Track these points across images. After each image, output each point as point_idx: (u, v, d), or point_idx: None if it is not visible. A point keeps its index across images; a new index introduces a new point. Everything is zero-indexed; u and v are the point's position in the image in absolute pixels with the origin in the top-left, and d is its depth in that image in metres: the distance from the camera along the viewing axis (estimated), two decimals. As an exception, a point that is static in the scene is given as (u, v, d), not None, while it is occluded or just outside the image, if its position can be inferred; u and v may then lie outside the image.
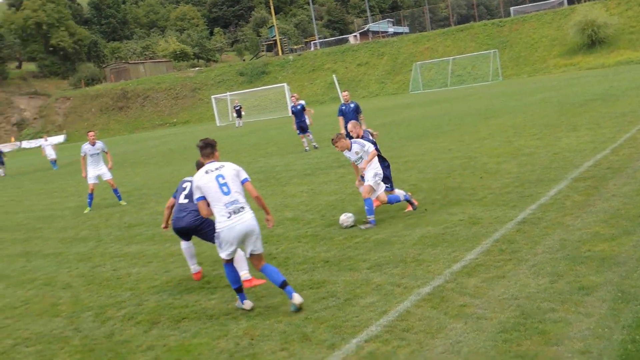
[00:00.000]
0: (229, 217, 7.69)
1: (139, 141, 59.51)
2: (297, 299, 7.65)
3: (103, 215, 17.73)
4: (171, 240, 12.85)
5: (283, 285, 7.73)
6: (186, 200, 9.60)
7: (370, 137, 12.36)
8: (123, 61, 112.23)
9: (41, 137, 71.11)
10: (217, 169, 7.90)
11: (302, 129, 25.48)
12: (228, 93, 73.35)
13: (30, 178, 35.60)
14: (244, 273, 8.94)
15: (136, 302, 9.14)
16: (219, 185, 7.77)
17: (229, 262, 8.03)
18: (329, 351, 6.44)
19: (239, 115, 57.23)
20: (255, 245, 7.90)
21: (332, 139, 11.50)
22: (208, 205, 7.89)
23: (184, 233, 9.71)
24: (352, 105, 19.14)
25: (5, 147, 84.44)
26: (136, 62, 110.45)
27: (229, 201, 7.72)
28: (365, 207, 11.32)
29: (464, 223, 10.39)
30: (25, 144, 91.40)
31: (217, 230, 7.78)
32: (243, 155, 28.02)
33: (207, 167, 7.99)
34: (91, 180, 18.70)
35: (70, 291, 10.38)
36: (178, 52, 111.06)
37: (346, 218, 11.55)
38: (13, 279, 11.89)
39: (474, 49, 74.57)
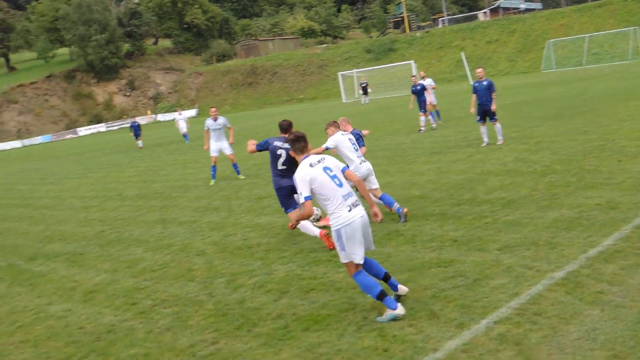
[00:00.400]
0: (349, 211, 6.97)
1: (267, 116, 60.86)
2: (402, 289, 7.40)
3: (233, 187, 18.30)
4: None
5: (386, 278, 7.36)
6: (284, 167, 10.66)
7: (359, 135, 12.20)
8: (253, 38, 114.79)
9: (175, 111, 74.26)
10: (319, 161, 7.21)
11: (423, 107, 24.83)
12: (355, 70, 73.51)
13: (165, 149, 37.28)
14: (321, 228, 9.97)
15: (266, 272, 9.41)
16: (331, 178, 7.10)
17: (359, 269, 7.12)
18: (458, 330, 6.37)
19: (365, 93, 57.22)
20: (370, 242, 7.28)
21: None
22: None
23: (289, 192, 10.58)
24: (484, 82, 18.60)
25: (142, 120, 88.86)
26: (265, 38, 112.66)
27: (346, 193, 7.07)
28: (384, 203, 11.21)
29: (600, 207, 9.95)
30: (161, 117, 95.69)
31: (336, 227, 6.97)
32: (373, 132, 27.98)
33: (309, 160, 7.25)
34: (213, 153, 19.44)
35: (204, 258, 10.84)
36: (306, 29, 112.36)
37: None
38: (151, 244, 12.54)
39: (613, 26, 70.76)
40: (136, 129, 42.04)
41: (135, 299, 9.15)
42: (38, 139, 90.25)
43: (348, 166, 7.77)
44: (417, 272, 8.24)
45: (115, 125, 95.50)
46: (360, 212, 7.03)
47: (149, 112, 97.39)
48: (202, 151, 31.16)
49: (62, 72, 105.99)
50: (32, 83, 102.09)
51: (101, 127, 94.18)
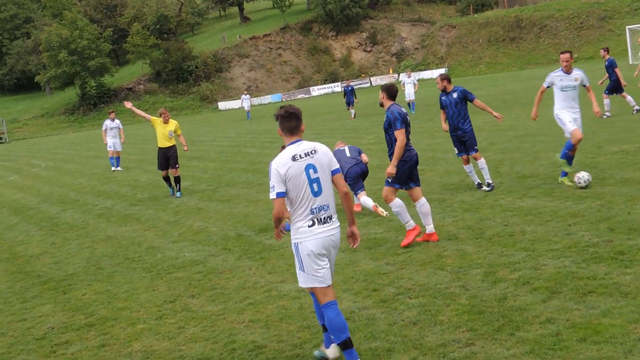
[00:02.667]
0: (310, 226, 6.85)
1: (530, 79, 59.24)
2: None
3: (492, 161, 18.11)
4: (572, 199, 12.68)
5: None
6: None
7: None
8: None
9: (421, 70, 74.69)
10: (306, 154, 6.84)
11: None
12: (647, 23, 69.04)
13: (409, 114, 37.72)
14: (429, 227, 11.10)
15: (532, 266, 9.20)
16: (309, 182, 6.80)
17: (329, 301, 7.00)
18: None
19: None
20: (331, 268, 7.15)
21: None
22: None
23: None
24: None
25: (383, 80, 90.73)
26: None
27: (318, 206, 6.85)
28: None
29: None
30: (403, 77, 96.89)
31: (294, 241, 6.92)
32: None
33: (293, 150, 6.86)
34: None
35: (456, 243, 10.86)
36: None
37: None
38: (394, 223, 12.74)
39: None
40: (349, 95, 41.64)
41: (377, 284, 9.40)
42: (267, 98, 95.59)
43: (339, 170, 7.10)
44: None
45: (353, 85, 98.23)
46: (327, 229, 6.90)
47: (391, 70, 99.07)
48: (428, 119, 31.18)
49: (297, 24, 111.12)
50: (265, 35, 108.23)
51: (336, 87, 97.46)
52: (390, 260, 10.50)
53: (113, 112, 31.94)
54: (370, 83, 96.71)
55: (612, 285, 8.09)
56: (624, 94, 25.00)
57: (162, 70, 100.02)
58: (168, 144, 20.20)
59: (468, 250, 10.40)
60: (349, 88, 42.53)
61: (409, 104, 39.93)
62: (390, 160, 11.12)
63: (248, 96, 59.88)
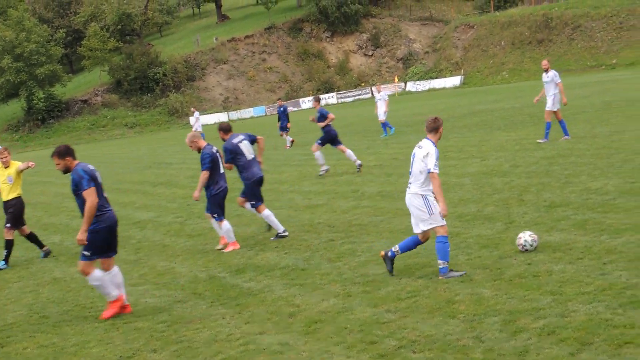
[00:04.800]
0: None
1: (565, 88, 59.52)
2: None
3: (514, 186, 18.15)
4: (609, 232, 12.74)
5: None
6: None
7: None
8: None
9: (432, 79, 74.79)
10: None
11: None
12: (700, 23, 69.56)
13: (417, 131, 37.82)
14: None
15: (559, 312, 9.24)
16: None
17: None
18: None
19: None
20: None
21: None
22: None
23: None
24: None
25: (388, 90, 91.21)
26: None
27: None
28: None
29: None
30: (411, 86, 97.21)
31: None
32: None
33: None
34: None
35: (470, 286, 10.88)
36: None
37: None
38: (397, 262, 12.68)
39: None
40: (282, 118, 41.03)
41: (375, 336, 9.40)
42: (248, 112, 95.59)
43: None
44: None
45: (350, 96, 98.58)
46: None
47: (396, 78, 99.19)
48: (468, 135, 31.30)
49: (285, 24, 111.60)
50: (247, 37, 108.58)
51: (331, 98, 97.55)
52: (391, 306, 10.51)
53: None
54: (372, 93, 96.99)
55: (652, 334, 8.15)
56: None
57: (123, 78, 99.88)
58: (12, 195, 18.29)
59: (484, 294, 10.43)
60: (282, 109, 41.86)
61: (384, 126, 39.30)
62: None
63: (198, 113, 56.60)
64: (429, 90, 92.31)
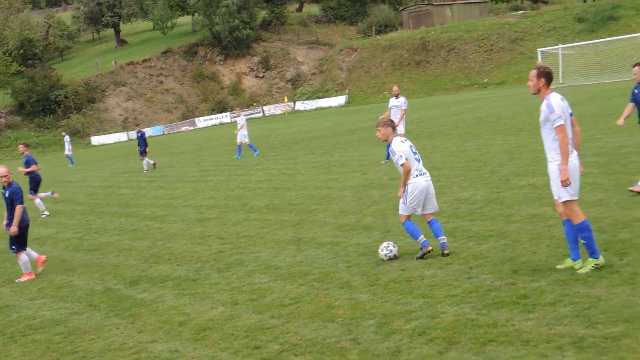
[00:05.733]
0: None
1: (438, 106, 60.74)
2: None
3: (390, 197, 18.37)
4: (475, 238, 12.99)
5: None
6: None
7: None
8: (426, 2, 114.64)
9: (319, 98, 75.03)
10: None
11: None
12: (560, 45, 71.68)
13: (304, 147, 38.00)
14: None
15: (429, 314, 9.36)
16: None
17: None
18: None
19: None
20: None
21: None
22: None
23: None
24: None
25: (277, 109, 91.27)
26: (441, 3, 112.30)
27: None
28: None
29: None
30: (300, 105, 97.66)
31: None
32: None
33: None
34: None
35: (348, 292, 10.95)
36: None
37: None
38: (282, 271, 12.82)
39: None
40: (141, 143, 40.15)
41: (259, 341, 9.39)
42: (147, 131, 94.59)
43: None
44: (637, 324, 7.91)
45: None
46: None
47: (285, 98, 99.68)
48: (350, 151, 31.56)
49: (181, 48, 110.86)
50: (144, 60, 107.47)
51: (224, 117, 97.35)
52: (275, 312, 10.51)
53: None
54: (263, 113, 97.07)
55: (513, 332, 8.30)
56: None
57: (26, 101, 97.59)
58: None
59: (361, 299, 10.50)
60: (139, 134, 40.98)
61: (250, 147, 39.25)
62: None
63: (68, 137, 58.36)
64: (317, 109, 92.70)
